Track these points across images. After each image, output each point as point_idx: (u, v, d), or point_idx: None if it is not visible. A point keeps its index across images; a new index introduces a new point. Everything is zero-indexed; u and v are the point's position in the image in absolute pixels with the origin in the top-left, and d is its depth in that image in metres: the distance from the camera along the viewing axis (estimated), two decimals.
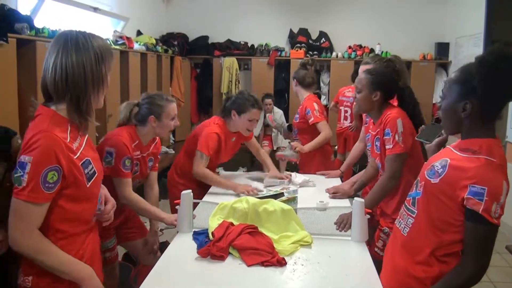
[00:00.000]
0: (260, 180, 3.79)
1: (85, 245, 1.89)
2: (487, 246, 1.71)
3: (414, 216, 1.93)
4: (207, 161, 3.44)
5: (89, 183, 1.81)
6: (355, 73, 3.57)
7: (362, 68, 3.34)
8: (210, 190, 3.52)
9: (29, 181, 1.61)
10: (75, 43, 1.73)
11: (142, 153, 3.01)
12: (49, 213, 1.70)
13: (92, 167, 1.84)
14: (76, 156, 1.75)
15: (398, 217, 2.05)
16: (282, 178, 3.75)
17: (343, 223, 2.69)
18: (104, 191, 2.10)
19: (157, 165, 3.26)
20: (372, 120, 2.98)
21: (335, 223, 2.71)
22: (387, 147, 2.72)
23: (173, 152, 7.21)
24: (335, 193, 3.38)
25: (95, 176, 1.86)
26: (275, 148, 7.43)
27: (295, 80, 4.73)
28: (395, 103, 2.93)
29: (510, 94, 1.74)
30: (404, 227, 1.97)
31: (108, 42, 5.55)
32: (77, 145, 1.78)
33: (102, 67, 1.80)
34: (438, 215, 1.81)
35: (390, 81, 2.89)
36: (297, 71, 4.69)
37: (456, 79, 1.83)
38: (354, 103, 3.02)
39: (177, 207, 2.62)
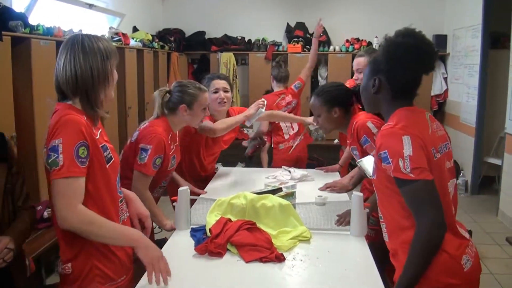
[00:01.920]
0: (258, 176, 3.76)
1: None
2: (421, 201, 1.68)
3: (383, 220, 1.93)
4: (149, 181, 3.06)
5: (108, 165, 1.94)
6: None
7: (357, 61, 3.34)
8: (208, 186, 3.50)
9: (65, 160, 1.75)
10: (81, 45, 1.89)
11: (174, 143, 3.01)
12: None
13: (109, 153, 1.96)
14: (97, 137, 1.91)
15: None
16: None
17: (342, 219, 2.68)
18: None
19: None
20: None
21: (336, 223, 2.69)
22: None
23: None
24: (333, 187, 3.37)
25: (112, 161, 1.98)
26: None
27: (271, 76, 5.43)
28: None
29: (411, 66, 1.84)
30: (384, 234, 1.95)
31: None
32: (95, 131, 1.93)
33: (108, 65, 1.95)
34: (394, 202, 1.81)
35: (340, 93, 2.94)
36: (272, 69, 5.16)
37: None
38: (319, 127, 3.06)
39: (174, 203, 2.61)
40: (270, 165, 5.45)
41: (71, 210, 1.76)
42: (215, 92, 3.53)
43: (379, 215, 1.96)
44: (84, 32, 4.79)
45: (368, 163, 3.24)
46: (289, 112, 5.18)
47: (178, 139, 3.10)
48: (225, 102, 3.55)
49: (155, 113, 2.97)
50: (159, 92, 3.00)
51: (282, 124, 5.24)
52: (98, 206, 1.90)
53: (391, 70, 1.88)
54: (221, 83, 3.56)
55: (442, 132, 1.92)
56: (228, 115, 3.70)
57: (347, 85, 3.29)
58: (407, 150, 1.69)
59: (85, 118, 1.87)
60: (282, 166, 4.06)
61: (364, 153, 2.78)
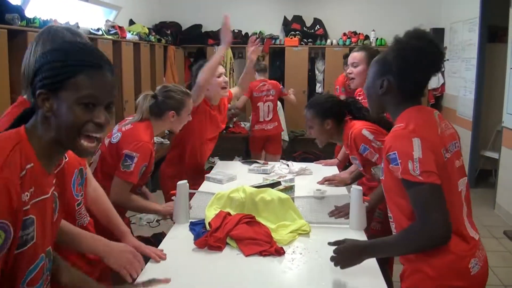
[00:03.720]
0: (257, 168, 3.76)
1: None
2: (426, 205, 1.67)
3: (392, 220, 1.92)
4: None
5: None
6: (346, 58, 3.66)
7: (353, 55, 3.34)
8: (206, 181, 3.50)
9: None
10: (52, 37, 1.78)
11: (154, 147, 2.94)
12: None
13: None
14: None
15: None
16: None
17: (339, 210, 2.68)
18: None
19: None
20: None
21: (329, 213, 2.68)
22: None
23: (168, 142, 7.17)
24: (331, 181, 3.36)
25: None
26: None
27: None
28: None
29: (423, 69, 1.84)
30: (393, 233, 1.93)
31: (100, 32, 5.49)
32: None
33: None
34: (404, 204, 1.79)
35: (332, 105, 2.93)
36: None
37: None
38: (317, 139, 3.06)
39: (173, 198, 2.60)
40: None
41: None
42: (219, 77, 3.54)
43: (388, 215, 1.94)
44: (81, 25, 4.77)
45: (294, 165, 3.35)
46: (268, 100, 6.36)
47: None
48: (227, 87, 3.64)
49: (138, 116, 2.82)
50: (144, 96, 2.86)
51: (261, 108, 6.33)
52: None
53: (403, 72, 1.84)
54: (222, 69, 3.62)
55: (451, 131, 1.89)
56: (222, 99, 3.78)
57: (338, 81, 3.37)
58: (417, 152, 1.67)
59: None
60: (280, 160, 4.08)
61: (364, 161, 2.75)
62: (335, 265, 1.88)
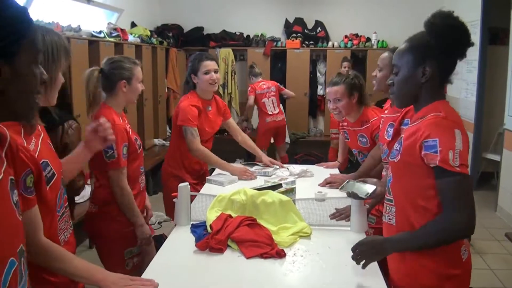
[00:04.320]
0: (258, 170, 3.76)
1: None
2: (460, 196, 1.67)
3: (393, 203, 1.91)
4: (197, 134, 3.43)
5: (48, 187, 1.67)
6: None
7: (331, 90, 3.38)
8: (208, 183, 3.50)
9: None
10: None
11: (128, 123, 2.84)
12: None
13: (51, 169, 1.72)
14: (36, 154, 1.64)
15: (383, 212, 2.01)
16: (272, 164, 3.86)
17: (340, 213, 2.68)
18: None
19: None
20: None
21: (331, 215, 2.69)
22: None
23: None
24: (332, 183, 3.36)
25: (54, 179, 1.73)
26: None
27: (250, 76, 7.32)
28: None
29: (463, 48, 1.80)
30: (391, 217, 1.93)
31: (102, 34, 5.50)
32: (33, 147, 1.67)
33: (53, 67, 1.73)
34: (412, 189, 1.80)
35: (359, 82, 3.35)
36: (249, 70, 7.35)
37: (408, 48, 1.87)
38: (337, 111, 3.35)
39: (174, 199, 2.60)
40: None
41: (33, 244, 1.50)
42: (206, 73, 3.52)
43: (388, 198, 1.94)
44: (83, 28, 4.78)
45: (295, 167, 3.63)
46: (271, 95, 7.05)
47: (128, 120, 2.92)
48: (216, 83, 3.59)
49: (88, 105, 2.69)
50: (91, 71, 2.68)
51: (267, 103, 7.03)
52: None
53: (444, 55, 1.79)
54: (212, 65, 3.56)
55: None
56: (215, 98, 3.77)
57: None
58: (459, 144, 1.67)
59: (22, 133, 1.62)
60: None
61: (373, 142, 3.14)
62: (358, 261, 1.86)
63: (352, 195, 2.49)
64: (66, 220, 1.88)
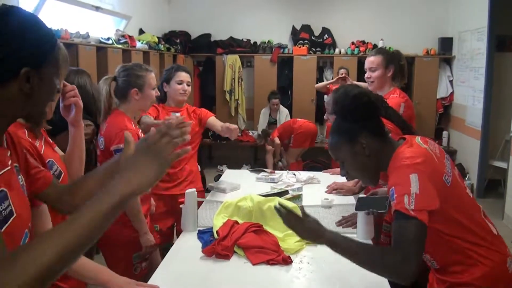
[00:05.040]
0: (264, 177, 3.77)
1: None
2: (406, 239, 1.61)
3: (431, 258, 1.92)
4: None
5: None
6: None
7: (368, 60, 3.33)
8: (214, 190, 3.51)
9: None
10: None
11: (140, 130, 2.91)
12: None
13: (57, 168, 1.79)
14: (42, 152, 1.70)
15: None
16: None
17: (346, 220, 2.69)
18: None
19: None
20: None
21: (337, 223, 2.69)
22: None
23: None
24: (339, 189, 3.37)
25: (62, 176, 1.80)
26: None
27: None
28: None
29: (374, 107, 1.94)
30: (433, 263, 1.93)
31: (111, 41, 5.54)
32: (38, 145, 1.73)
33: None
34: (437, 241, 1.81)
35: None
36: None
37: (337, 141, 1.95)
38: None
39: (181, 206, 2.61)
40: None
41: None
42: (179, 84, 3.53)
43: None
44: (92, 34, 4.82)
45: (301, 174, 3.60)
46: None
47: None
48: (186, 94, 3.58)
49: (103, 112, 2.74)
50: (105, 80, 2.77)
51: None
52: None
53: (368, 121, 1.89)
54: (186, 76, 3.57)
55: (436, 146, 1.91)
56: (186, 107, 3.67)
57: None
58: (414, 188, 1.65)
59: (26, 133, 1.68)
60: (287, 170, 4.10)
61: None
62: (285, 222, 1.89)
63: (372, 212, 2.50)
64: None
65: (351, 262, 1.73)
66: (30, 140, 1.63)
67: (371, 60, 3.27)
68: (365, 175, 1.97)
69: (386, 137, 1.91)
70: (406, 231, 1.62)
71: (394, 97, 3.09)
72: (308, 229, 1.86)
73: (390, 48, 7.95)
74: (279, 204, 1.94)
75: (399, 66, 3.26)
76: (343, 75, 6.84)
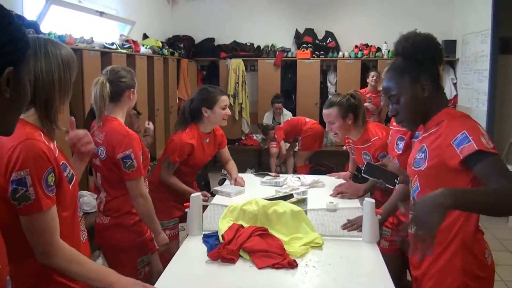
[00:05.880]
0: (269, 181, 3.77)
1: None
2: (505, 171, 1.66)
3: None
4: (174, 168, 3.36)
5: (71, 185, 1.76)
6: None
7: (324, 113, 3.32)
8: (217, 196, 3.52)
9: (36, 193, 1.57)
10: (44, 49, 1.71)
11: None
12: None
13: (70, 171, 1.78)
14: (56, 155, 1.71)
15: (410, 223, 1.94)
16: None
17: (351, 223, 2.69)
18: None
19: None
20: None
21: (342, 226, 2.69)
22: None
23: None
24: (344, 193, 3.37)
25: (74, 179, 1.81)
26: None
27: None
28: None
29: (440, 51, 1.98)
30: None
31: (115, 46, 5.56)
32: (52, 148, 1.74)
33: (68, 75, 1.77)
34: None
35: (352, 102, 3.24)
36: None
37: (398, 73, 1.97)
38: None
39: (186, 210, 2.62)
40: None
41: (52, 246, 1.63)
42: (224, 108, 3.45)
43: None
44: (96, 39, 4.85)
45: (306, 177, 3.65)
46: None
47: None
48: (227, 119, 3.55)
49: (99, 117, 2.67)
50: (96, 83, 2.63)
51: None
52: (65, 231, 1.72)
53: (430, 65, 1.93)
54: (228, 101, 3.54)
55: None
56: (214, 129, 3.64)
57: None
58: (483, 130, 1.76)
59: (42, 135, 1.67)
60: (291, 174, 4.10)
61: (376, 160, 2.85)
62: (424, 244, 1.56)
63: (380, 184, 2.60)
64: (83, 222, 1.95)
65: (489, 210, 1.66)
66: (46, 142, 1.65)
67: (326, 114, 3.26)
68: (413, 118, 1.99)
69: (442, 89, 1.98)
70: (498, 166, 1.68)
71: (376, 140, 3.17)
72: (426, 209, 1.56)
73: (391, 51, 7.99)
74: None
75: (358, 108, 3.23)
76: (374, 78, 6.84)
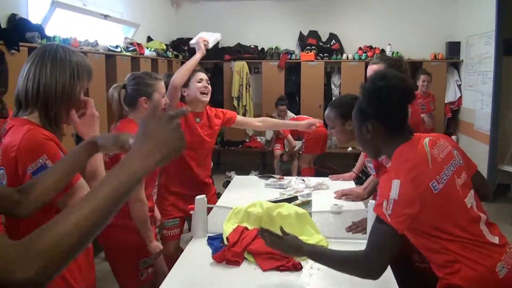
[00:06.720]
0: (273, 183, 3.77)
1: None
2: (378, 242, 1.75)
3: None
4: None
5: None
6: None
7: (371, 68, 3.24)
8: (224, 194, 3.52)
9: None
10: (53, 55, 1.75)
11: None
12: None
13: None
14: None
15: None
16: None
17: (356, 226, 2.69)
18: None
19: None
20: None
21: (347, 228, 2.69)
22: None
23: None
24: (348, 195, 3.37)
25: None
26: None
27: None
28: None
29: (396, 103, 1.92)
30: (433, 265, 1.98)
31: (119, 49, 5.58)
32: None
33: (77, 85, 1.80)
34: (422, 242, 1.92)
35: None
36: None
37: (353, 114, 2.07)
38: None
39: (191, 212, 2.62)
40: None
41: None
42: (199, 82, 3.38)
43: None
44: (100, 42, 4.86)
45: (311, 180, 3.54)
46: None
47: None
48: (208, 93, 3.44)
49: (116, 119, 2.81)
50: (115, 88, 2.79)
51: None
52: None
53: (381, 112, 1.93)
54: (205, 76, 3.47)
55: (446, 151, 1.93)
56: (206, 110, 3.56)
57: None
58: (394, 194, 1.74)
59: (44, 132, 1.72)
60: (296, 176, 4.10)
61: (378, 168, 2.80)
62: (268, 243, 2.03)
63: None
64: None
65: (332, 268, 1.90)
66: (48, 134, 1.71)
67: (326, 115, 3.02)
68: (364, 149, 2.17)
69: (398, 132, 1.95)
70: (379, 236, 1.75)
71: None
72: (289, 245, 1.99)
73: (397, 53, 7.99)
74: (261, 227, 2.08)
75: None
76: (425, 82, 6.44)
